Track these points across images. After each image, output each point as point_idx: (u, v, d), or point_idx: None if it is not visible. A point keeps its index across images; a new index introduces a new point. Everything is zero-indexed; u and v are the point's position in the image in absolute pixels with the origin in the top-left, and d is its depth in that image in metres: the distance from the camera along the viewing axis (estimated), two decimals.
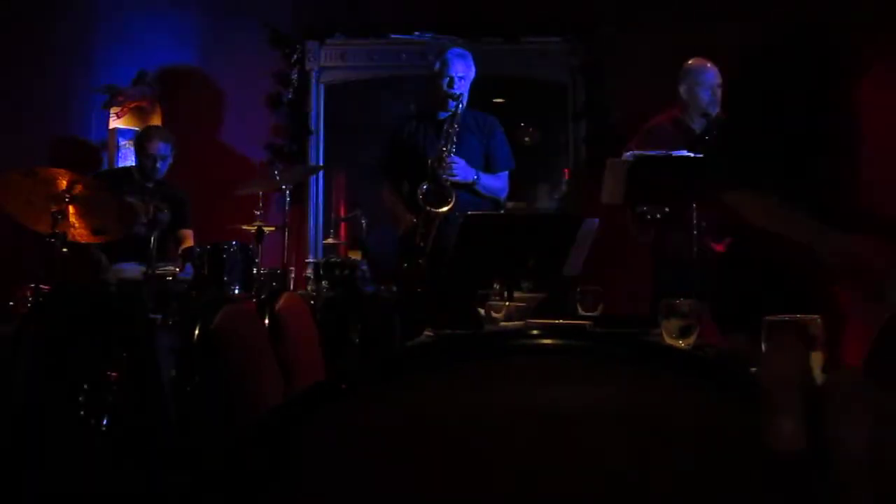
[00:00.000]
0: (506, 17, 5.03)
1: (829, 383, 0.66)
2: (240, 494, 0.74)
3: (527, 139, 4.95)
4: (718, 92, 3.80)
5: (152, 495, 2.89)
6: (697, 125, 3.82)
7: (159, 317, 3.48)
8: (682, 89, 3.84)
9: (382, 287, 4.17)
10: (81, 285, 3.77)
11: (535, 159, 5.19)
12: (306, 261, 4.57)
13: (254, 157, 5.12)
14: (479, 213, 3.50)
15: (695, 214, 3.30)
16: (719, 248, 3.82)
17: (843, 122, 1.90)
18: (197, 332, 3.16)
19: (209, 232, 4.26)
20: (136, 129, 4.88)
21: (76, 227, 3.55)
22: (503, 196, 4.03)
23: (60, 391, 3.11)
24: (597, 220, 3.17)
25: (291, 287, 4.31)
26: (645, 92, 4.44)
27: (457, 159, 3.79)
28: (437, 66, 3.94)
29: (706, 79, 3.80)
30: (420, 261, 3.77)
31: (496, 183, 3.95)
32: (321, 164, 5.20)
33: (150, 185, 4.31)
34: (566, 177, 5.27)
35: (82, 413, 3.09)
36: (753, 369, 0.83)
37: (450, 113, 3.84)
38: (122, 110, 5.08)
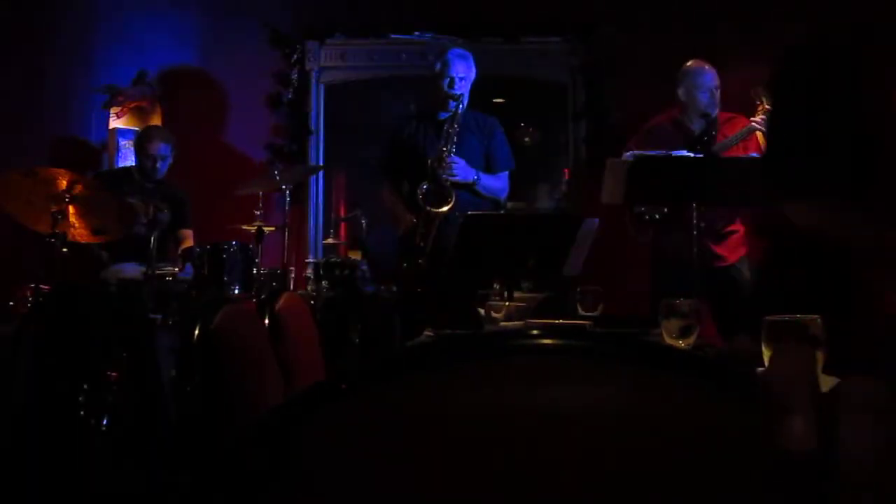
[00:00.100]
0: (506, 17, 5.03)
1: (841, 387, 0.67)
2: (240, 494, 0.74)
3: (527, 139, 4.96)
4: (717, 94, 3.80)
5: (152, 495, 2.89)
6: (696, 126, 3.81)
7: (159, 317, 3.48)
8: (681, 91, 3.84)
9: (382, 287, 4.17)
10: (81, 285, 3.77)
11: (535, 159, 5.20)
12: (306, 261, 4.57)
13: (254, 157, 5.12)
14: (479, 213, 3.49)
15: (695, 214, 3.30)
16: (722, 250, 3.83)
17: (890, 123, 1.88)
18: (197, 332, 3.16)
19: (209, 232, 4.26)
20: (137, 129, 4.88)
21: (76, 227, 3.55)
22: (503, 196, 4.03)
23: (60, 391, 3.11)
24: (597, 220, 3.17)
25: (291, 287, 4.31)
26: (645, 92, 4.44)
27: (457, 159, 3.79)
28: (438, 66, 3.94)
29: (704, 81, 3.80)
30: (420, 261, 3.77)
31: (496, 183, 3.96)
32: (321, 164, 5.20)
33: (150, 185, 4.32)
34: (566, 177, 5.27)
35: (82, 413, 3.09)
36: (759, 370, 0.83)
37: (450, 113, 3.84)
38: (122, 110, 5.08)
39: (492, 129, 4.01)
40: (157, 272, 3.62)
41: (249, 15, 5.05)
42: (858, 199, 1.81)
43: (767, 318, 1.26)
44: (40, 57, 5.07)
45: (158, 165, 4.31)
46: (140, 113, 5.09)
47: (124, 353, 3.23)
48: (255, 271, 3.82)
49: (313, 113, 5.19)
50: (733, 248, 3.84)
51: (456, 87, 3.87)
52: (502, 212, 4.04)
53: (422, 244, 3.76)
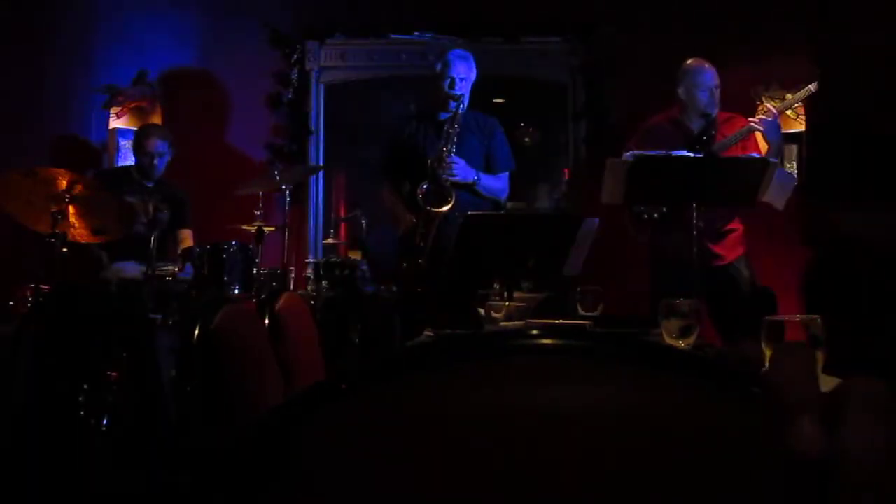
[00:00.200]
0: (506, 17, 5.03)
1: (843, 387, 0.67)
2: (240, 494, 0.74)
3: (527, 139, 4.95)
4: (717, 93, 3.79)
5: (152, 495, 2.89)
6: (696, 125, 3.81)
7: (159, 317, 3.48)
8: (681, 90, 3.84)
9: (382, 287, 4.18)
10: (81, 285, 3.77)
11: (535, 159, 5.20)
12: (306, 261, 4.57)
13: (254, 157, 5.12)
14: (479, 213, 3.49)
15: (694, 215, 3.30)
16: (726, 252, 3.83)
17: None
18: (197, 332, 3.16)
19: (209, 232, 4.26)
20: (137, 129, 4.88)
21: (76, 227, 3.55)
22: (503, 197, 4.03)
23: (60, 391, 3.11)
24: (597, 220, 3.17)
25: (291, 287, 4.31)
26: (645, 92, 4.44)
27: (457, 159, 3.78)
28: (439, 67, 3.94)
29: (704, 80, 3.79)
30: (420, 261, 3.77)
31: (497, 184, 3.96)
32: (321, 164, 5.20)
33: (150, 184, 4.32)
34: (566, 177, 5.27)
35: (82, 413, 3.09)
36: (763, 370, 0.83)
37: (450, 114, 3.84)
38: (122, 110, 5.08)
39: (492, 129, 4.02)
40: (157, 272, 3.62)
41: (249, 15, 5.05)
42: None
43: (767, 318, 1.26)
44: (40, 57, 5.07)
45: (156, 162, 4.31)
46: (140, 113, 5.09)
47: (124, 353, 3.23)
48: (255, 271, 3.82)
49: (313, 113, 5.19)
50: (732, 247, 3.84)
51: (456, 87, 3.87)
52: (502, 212, 4.04)
53: (422, 244, 3.76)
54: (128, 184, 4.24)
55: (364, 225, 4.29)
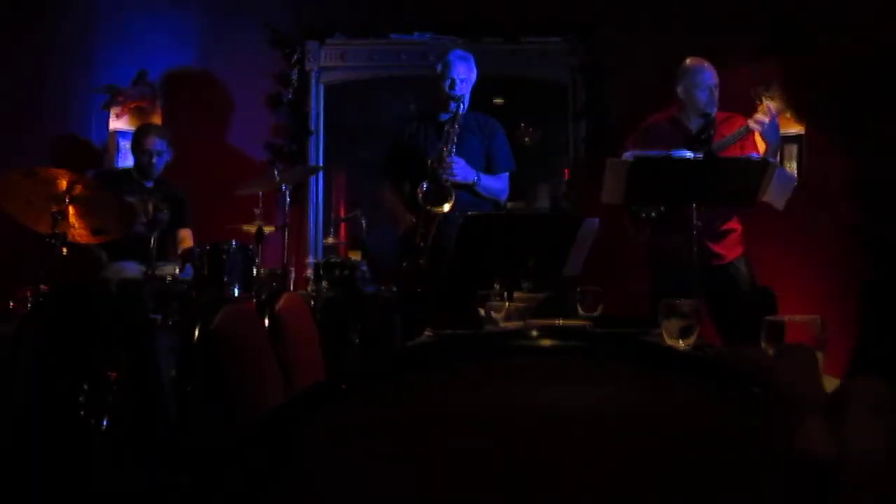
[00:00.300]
0: (506, 17, 5.03)
1: (846, 387, 0.66)
2: (240, 494, 0.74)
3: (527, 139, 4.96)
4: (716, 92, 3.80)
5: (152, 495, 2.90)
6: (694, 125, 3.81)
7: (159, 317, 3.48)
8: (680, 89, 3.84)
9: (382, 287, 4.18)
10: (81, 285, 3.77)
11: (535, 159, 5.21)
12: (306, 261, 4.57)
13: (254, 157, 5.12)
14: (479, 213, 3.49)
15: (694, 215, 3.30)
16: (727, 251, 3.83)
17: None
18: (197, 332, 3.17)
19: (209, 232, 4.26)
20: None
21: (76, 227, 3.55)
22: (504, 197, 4.03)
23: (60, 391, 3.11)
24: (597, 220, 3.17)
25: (291, 287, 4.31)
26: (645, 92, 4.43)
27: (457, 159, 3.79)
28: (439, 67, 3.95)
29: (703, 79, 3.79)
30: (420, 261, 3.77)
31: (497, 184, 3.96)
32: (321, 164, 5.20)
33: (150, 184, 4.32)
34: (566, 177, 5.27)
35: (82, 413, 3.09)
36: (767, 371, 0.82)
37: (451, 114, 3.84)
38: (122, 110, 5.08)
39: (492, 130, 4.02)
40: (157, 272, 3.62)
41: (249, 15, 5.05)
42: None
43: (767, 318, 1.26)
44: (40, 57, 5.07)
45: (154, 161, 4.31)
46: (140, 113, 5.09)
47: (124, 353, 3.23)
48: (255, 271, 3.82)
49: (313, 113, 5.19)
50: (731, 247, 3.84)
51: (457, 88, 3.87)
52: (502, 212, 4.04)
53: (422, 244, 3.76)
54: (128, 184, 4.24)
55: (364, 225, 4.29)
